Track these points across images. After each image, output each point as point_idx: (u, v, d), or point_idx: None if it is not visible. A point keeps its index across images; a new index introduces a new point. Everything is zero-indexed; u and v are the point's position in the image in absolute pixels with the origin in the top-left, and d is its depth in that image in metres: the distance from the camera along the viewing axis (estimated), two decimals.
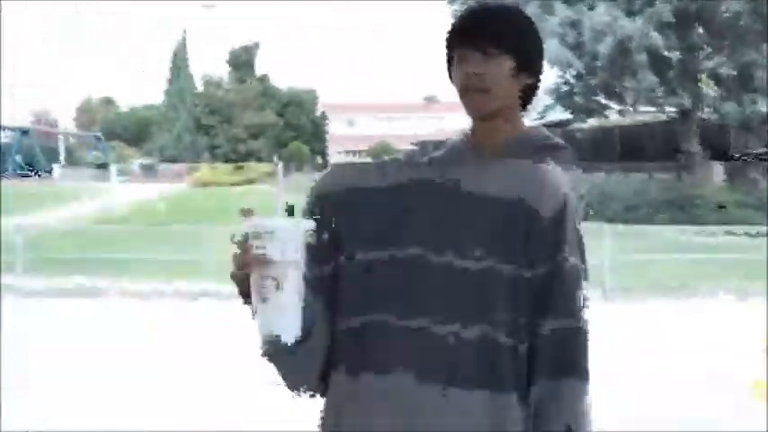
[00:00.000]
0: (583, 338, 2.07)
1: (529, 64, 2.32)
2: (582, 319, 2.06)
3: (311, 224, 1.95)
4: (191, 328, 13.18)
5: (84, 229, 28.46)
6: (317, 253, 2.00)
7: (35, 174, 45.98)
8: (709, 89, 37.70)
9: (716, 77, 37.30)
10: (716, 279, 17.35)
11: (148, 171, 70.15)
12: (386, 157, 2.55)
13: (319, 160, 76.91)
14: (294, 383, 2.12)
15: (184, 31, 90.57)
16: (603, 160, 36.52)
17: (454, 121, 73.49)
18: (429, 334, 2.01)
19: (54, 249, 21.92)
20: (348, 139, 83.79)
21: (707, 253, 20.26)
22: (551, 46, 32.06)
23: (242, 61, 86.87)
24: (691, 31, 36.80)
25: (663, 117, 40.20)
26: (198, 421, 8.20)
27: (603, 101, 38.06)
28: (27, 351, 11.45)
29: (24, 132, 15.80)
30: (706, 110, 38.03)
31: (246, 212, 1.90)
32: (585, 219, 2.18)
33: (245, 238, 1.91)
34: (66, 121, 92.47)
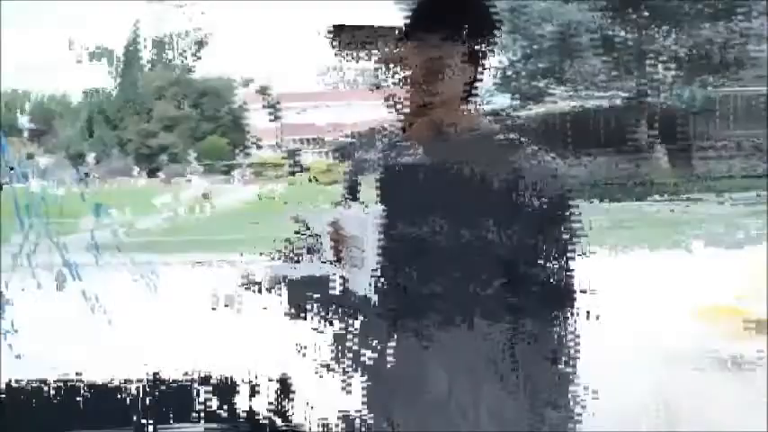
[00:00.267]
0: (569, 291, 2.49)
1: (480, 50, 2.56)
2: (570, 278, 2.49)
3: (379, 209, 2.49)
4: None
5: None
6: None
7: None
8: (660, 72, 38.15)
9: (670, 60, 37.75)
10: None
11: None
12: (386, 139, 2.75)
13: (239, 156, 76.41)
14: None
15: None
16: (555, 147, 36.92)
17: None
18: (435, 294, 2.46)
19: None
20: (299, 127, 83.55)
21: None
22: None
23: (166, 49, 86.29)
24: (638, 12, 37.25)
25: (613, 103, 40.60)
26: None
27: (548, 86, 38.37)
28: None
29: None
30: (659, 94, 38.49)
31: (297, 220, 2.56)
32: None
33: (337, 222, 2.48)
34: None
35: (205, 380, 3.65)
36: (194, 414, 3.60)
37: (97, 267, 17.87)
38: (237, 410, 3.67)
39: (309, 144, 71.14)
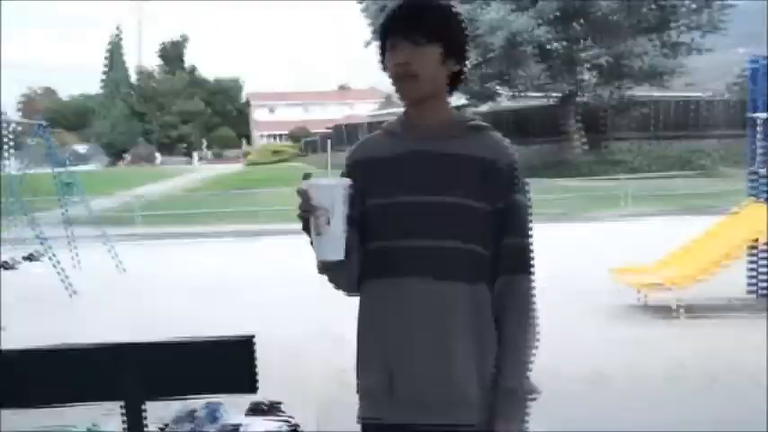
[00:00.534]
0: (529, 249, 2.56)
1: (455, 52, 2.55)
2: (528, 236, 2.56)
3: (348, 181, 2.45)
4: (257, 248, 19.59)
5: (179, 195, 35.11)
6: (352, 200, 2.43)
7: None
8: (587, 77, 38.26)
9: (593, 67, 37.90)
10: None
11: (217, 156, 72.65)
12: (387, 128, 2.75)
13: (245, 143, 76.52)
14: (341, 287, 2.64)
15: (118, 27, 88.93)
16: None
17: (363, 108, 73.60)
18: (431, 248, 2.50)
19: (159, 208, 28.96)
20: (270, 124, 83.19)
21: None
22: None
23: (172, 55, 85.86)
24: (570, 26, 37.29)
25: (547, 102, 40.78)
26: None
27: (497, 88, 38.38)
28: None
29: None
30: (585, 94, 38.61)
31: (306, 175, 2.43)
32: None
33: (305, 191, 2.40)
34: (11, 111, 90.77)
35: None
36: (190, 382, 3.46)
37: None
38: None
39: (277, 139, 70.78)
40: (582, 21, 37.57)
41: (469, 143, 2.54)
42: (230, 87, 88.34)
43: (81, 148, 75.99)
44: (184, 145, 79.53)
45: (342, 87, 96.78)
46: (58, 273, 13.50)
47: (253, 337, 3.39)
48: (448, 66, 2.53)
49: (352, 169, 2.62)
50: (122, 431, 3.16)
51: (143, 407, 3.37)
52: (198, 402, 4.18)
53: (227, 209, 28.33)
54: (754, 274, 11.05)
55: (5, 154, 16.64)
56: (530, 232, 2.57)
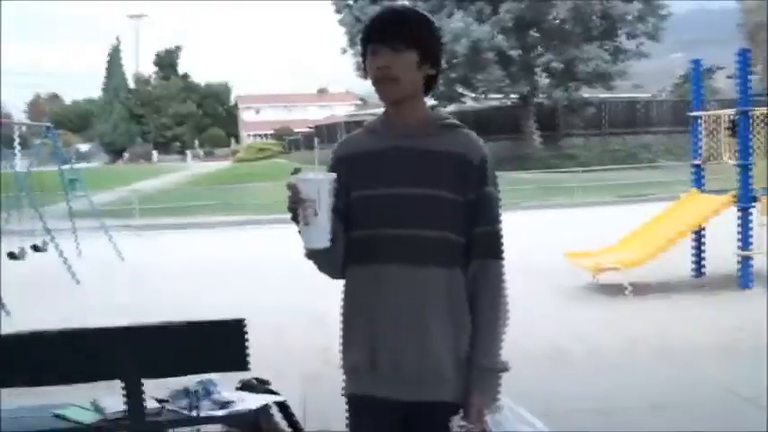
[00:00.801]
0: (500, 236, 2.54)
1: (431, 57, 2.51)
2: (498, 224, 2.54)
3: (333, 175, 2.44)
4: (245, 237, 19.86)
5: (173, 189, 34.92)
6: (337, 193, 2.42)
7: None
8: (542, 80, 38.42)
9: (547, 70, 38.08)
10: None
11: (208, 154, 72.46)
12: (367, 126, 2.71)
13: (233, 142, 76.32)
14: (327, 272, 2.62)
15: (117, 38, 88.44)
16: None
17: (340, 110, 73.56)
18: (409, 236, 2.47)
19: (155, 201, 28.60)
20: (256, 125, 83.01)
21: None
22: None
23: (166, 62, 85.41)
24: (527, 34, 37.39)
25: (507, 102, 40.93)
26: None
27: (461, 90, 38.42)
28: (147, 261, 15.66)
29: None
30: (540, 96, 38.75)
31: (295, 170, 2.43)
32: None
33: (294, 184, 2.38)
34: (19, 114, 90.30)
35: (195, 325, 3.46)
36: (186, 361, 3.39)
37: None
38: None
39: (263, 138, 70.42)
40: (537, 30, 37.70)
41: (444, 140, 2.52)
42: (220, 91, 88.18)
43: (83, 148, 75.75)
44: (178, 144, 79.28)
45: (321, 91, 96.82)
46: (64, 261, 13.41)
47: (244, 320, 3.34)
48: (424, 70, 2.51)
49: (337, 164, 2.59)
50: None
51: (142, 385, 3.33)
52: (193, 379, 4.09)
53: (217, 201, 28.22)
54: (697, 256, 11.04)
55: (16, 153, 16.56)
56: (499, 221, 2.55)
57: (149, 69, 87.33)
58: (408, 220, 2.46)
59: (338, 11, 39.93)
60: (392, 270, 2.47)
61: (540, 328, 7.94)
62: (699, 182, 11.38)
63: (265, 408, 4.49)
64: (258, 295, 10.96)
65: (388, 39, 2.45)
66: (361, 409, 2.59)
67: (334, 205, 2.40)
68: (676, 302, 9.66)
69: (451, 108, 38.20)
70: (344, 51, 39.62)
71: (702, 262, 11.02)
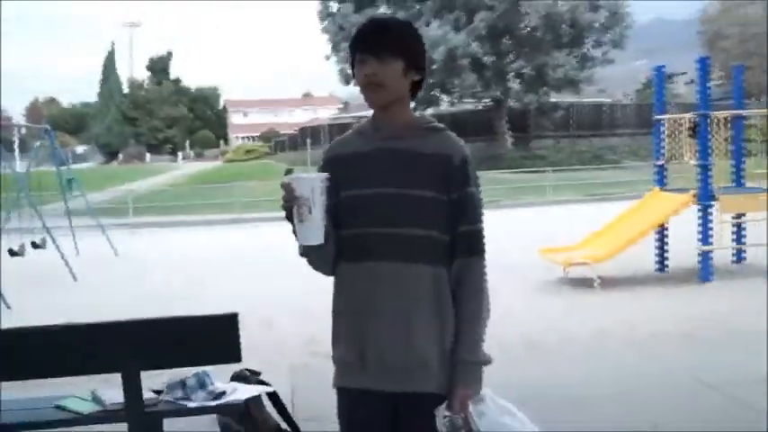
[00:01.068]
0: (481, 235, 2.54)
1: (416, 65, 2.52)
2: (480, 224, 2.55)
3: (326, 174, 2.42)
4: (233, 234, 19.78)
5: (165, 189, 34.38)
6: (328, 192, 2.40)
7: None
8: (514, 85, 38.48)
9: (519, 76, 38.16)
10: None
11: (199, 155, 72.12)
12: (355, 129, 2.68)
13: (222, 144, 76.06)
14: (321, 269, 2.60)
15: (112, 44, 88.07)
16: None
17: (324, 113, 73.48)
18: (395, 234, 2.47)
19: (148, 200, 28.60)
20: (244, 127, 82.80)
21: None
22: None
23: (158, 67, 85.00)
24: (500, 42, 37.44)
25: (481, 106, 41.00)
26: None
27: (437, 94, 38.42)
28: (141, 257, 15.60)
29: None
30: (512, 100, 38.81)
31: (288, 171, 2.41)
32: None
33: (288, 183, 2.36)
34: (18, 117, 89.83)
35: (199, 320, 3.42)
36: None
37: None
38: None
39: (251, 140, 70.11)
40: (509, 38, 37.74)
41: (429, 142, 2.52)
42: (209, 95, 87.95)
43: (80, 149, 75.41)
44: (170, 146, 78.92)
45: (306, 95, 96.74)
46: (62, 257, 13.32)
47: (236, 314, 3.31)
48: (409, 77, 2.51)
49: (328, 165, 2.57)
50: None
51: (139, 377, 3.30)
52: (187, 371, 4.07)
53: (207, 200, 28.10)
54: (660, 251, 11.09)
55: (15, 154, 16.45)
56: (481, 219, 2.55)
57: (142, 74, 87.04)
58: (394, 219, 2.46)
59: (322, 19, 39.82)
60: (379, 267, 2.47)
61: (514, 318, 7.95)
62: (662, 181, 11.43)
63: (257, 398, 4.48)
64: (243, 286, 10.94)
65: (374, 49, 2.44)
66: (351, 400, 2.59)
67: (326, 203, 2.39)
68: (641, 295, 9.69)
69: (429, 111, 38.19)
70: (328, 58, 39.53)
71: (665, 257, 11.07)
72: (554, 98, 39.35)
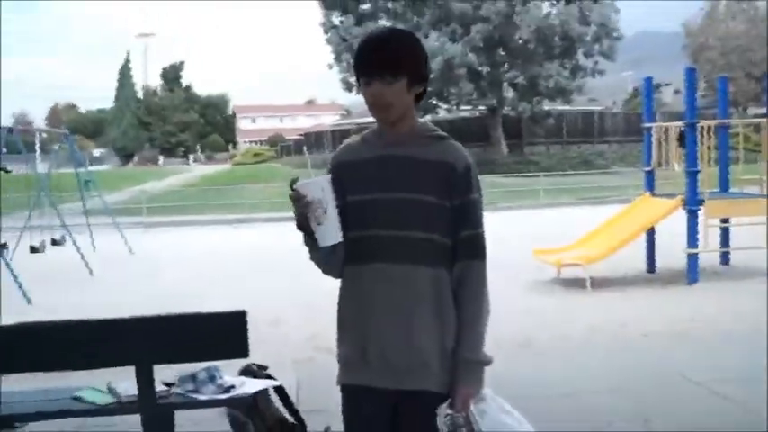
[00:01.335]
0: (482, 239, 2.50)
1: (419, 78, 2.44)
2: (481, 228, 2.50)
3: (329, 176, 2.40)
4: (241, 234, 19.64)
5: (177, 190, 34.22)
6: (335, 195, 2.36)
7: None
8: (508, 94, 38.49)
9: (513, 85, 38.17)
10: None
11: (209, 158, 71.87)
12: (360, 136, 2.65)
13: (231, 148, 76.04)
14: (331, 273, 2.55)
15: (128, 53, 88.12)
16: None
17: (327, 119, 73.50)
18: (399, 238, 2.43)
19: (162, 201, 28.65)
20: (252, 132, 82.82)
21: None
22: None
23: (171, 76, 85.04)
24: (495, 52, 37.45)
25: (477, 114, 41.00)
26: None
27: (435, 102, 38.41)
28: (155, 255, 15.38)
29: (9, 130, 15.39)
30: (506, 108, 38.83)
31: (293, 180, 2.35)
32: None
33: (298, 191, 2.33)
34: (40, 122, 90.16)
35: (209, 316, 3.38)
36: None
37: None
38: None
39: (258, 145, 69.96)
40: (504, 49, 37.77)
41: (433, 150, 2.46)
42: (219, 102, 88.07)
43: (97, 152, 75.45)
44: (182, 149, 79.00)
45: (309, 102, 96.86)
46: (79, 253, 13.31)
47: (245, 312, 3.27)
48: (414, 90, 2.45)
49: (335, 169, 2.52)
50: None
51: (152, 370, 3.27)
52: (198, 366, 4.03)
53: (217, 201, 28.09)
54: (649, 253, 11.03)
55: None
56: (482, 224, 2.50)
57: (156, 82, 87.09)
58: (399, 223, 2.41)
59: (326, 31, 39.86)
60: (383, 268, 2.42)
61: (508, 317, 7.88)
62: (651, 186, 11.37)
63: (264, 392, 4.43)
64: (251, 284, 10.90)
65: (377, 71, 2.37)
66: (354, 397, 2.54)
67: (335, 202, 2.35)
68: (631, 295, 9.62)
69: (428, 118, 38.03)
70: (331, 67, 39.53)
71: (654, 259, 11.00)
72: (546, 106, 39.33)
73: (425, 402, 2.40)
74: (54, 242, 14.01)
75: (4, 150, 14.75)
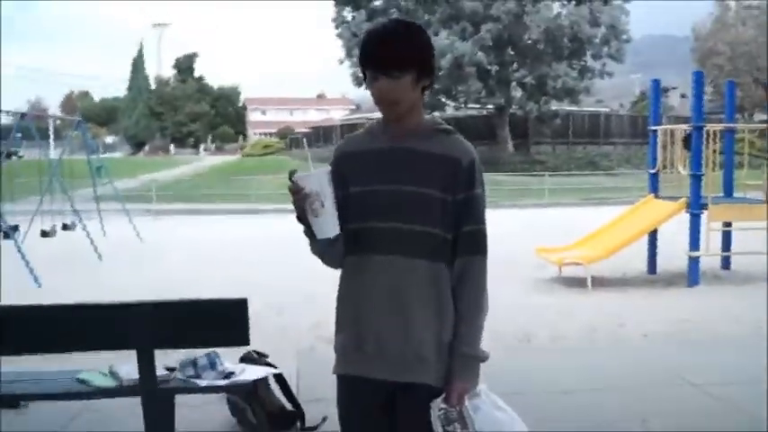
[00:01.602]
0: (484, 234, 2.46)
1: (425, 71, 2.39)
2: (483, 224, 2.46)
3: (328, 167, 2.37)
4: (248, 224, 19.64)
5: (187, 179, 34.52)
6: (336, 185, 2.34)
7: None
8: (516, 93, 38.42)
9: (521, 85, 38.10)
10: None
11: (219, 149, 71.40)
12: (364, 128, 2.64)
13: (241, 139, 76.04)
14: (332, 264, 2.53)
15: (141, 43, 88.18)
16: None
17: (336, 113, 73.47)
18: (399, 230, 2.39)
19: (171, 189, 28.87)
20: (262, 124, 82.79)
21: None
22: None
23: (184, 66, 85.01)
24: (504, 51, 37.38)
25: (484, 112, 40.94)
26: None
27: (444, 100, 38.37)
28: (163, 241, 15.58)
29: (22, 116, 15.34)
30: (514, 107, 38.76)
31: (292, 172, 2.32)
32: None
33: (296, 183, 2.30)
34: (55, 109, 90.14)
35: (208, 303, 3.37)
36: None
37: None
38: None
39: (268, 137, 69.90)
40: (513, 48, 37.70)
41: (438, 143, 2.43)
42: (230, 94, 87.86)
43: (109, 140, 75.55)
44: (193, 139, 79.00)
45: (319, 96, 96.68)
46: (90, 239, 13.34)
47: (246, 299, 3.26)
48: (420, 83, 2.39)
49: (338, 160, 2.49)
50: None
51: (153, 355, 3.26)
52: (199, 352, 4.03)
53: (226, 191, 28.13)
54: (651, 254, 10.98)
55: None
56: (484, 219, 2.46)
57: (169, 72, 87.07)
58: (400, 215, 2.37)
59: (337, 26, 39.84)
60: (382, 260, 2.39)
61: (509, 314, 7.86)
62: (655, 188, 11.33)
63: (263, 379, 4.43)
64: (254, 271, 10.90)
65: (384, 67, 2.32)
66: (349, 388, 2.52)
67: (334, 195, 2.32)
68: (631, 295, 9.58)
69: (435, 115, 38.20)
70: (342, 62, 39.54)
71: (656, 260, 10.96)
72: (553, 107, 39.25)
73: (421, 396, 2.38)
74: (65, 227, 14.03)
75: (18, 135, 14.81)
